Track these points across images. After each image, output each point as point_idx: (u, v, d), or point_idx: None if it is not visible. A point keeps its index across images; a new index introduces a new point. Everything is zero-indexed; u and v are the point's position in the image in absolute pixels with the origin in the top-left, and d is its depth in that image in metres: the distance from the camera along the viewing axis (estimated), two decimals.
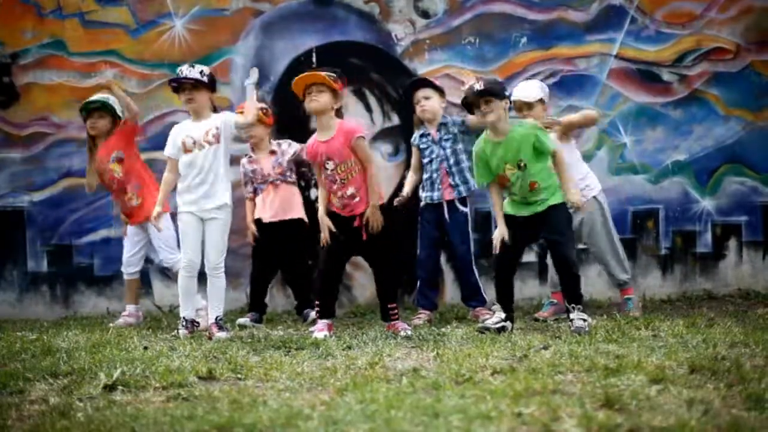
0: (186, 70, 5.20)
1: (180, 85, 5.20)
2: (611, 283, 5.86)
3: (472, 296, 5.78)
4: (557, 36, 6.67)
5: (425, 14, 6.66)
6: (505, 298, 4.99)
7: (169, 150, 5.26)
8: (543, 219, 4.87)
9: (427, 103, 5.77)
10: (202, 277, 5.27)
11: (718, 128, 6.72)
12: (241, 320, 5.72)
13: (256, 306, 5.90)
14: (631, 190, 6.64)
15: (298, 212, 5.91)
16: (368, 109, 6.59)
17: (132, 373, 3.74)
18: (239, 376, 3.76)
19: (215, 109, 5.33)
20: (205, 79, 5.20)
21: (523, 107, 5.58)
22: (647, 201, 6.69)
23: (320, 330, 5.00)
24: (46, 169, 6.54)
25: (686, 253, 6.73)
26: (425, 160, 5.82)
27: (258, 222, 5.92)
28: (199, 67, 5.25)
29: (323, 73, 5.03)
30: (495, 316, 5.01)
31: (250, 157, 5.99)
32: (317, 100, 5.03)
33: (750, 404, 3.02)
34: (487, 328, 4.87)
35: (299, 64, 6.56)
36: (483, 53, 6.63)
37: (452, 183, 5.74)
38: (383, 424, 2.87)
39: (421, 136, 5.84)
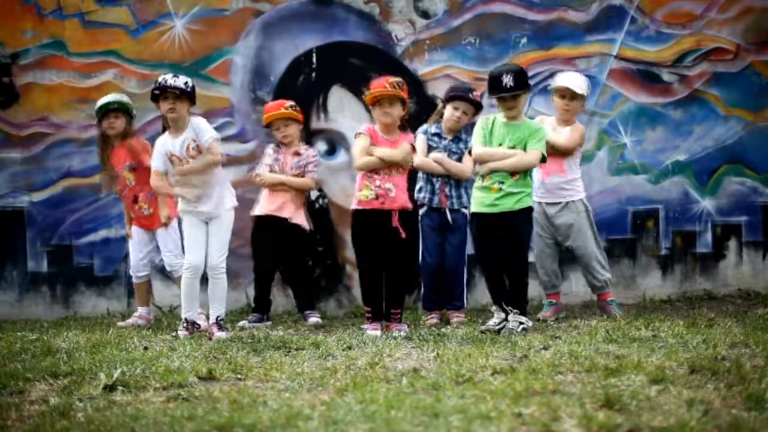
0: (171, 80, 5.10)
1: (162, 94, 5.09)
2: (591, 286, 5.79)
3: (457, 297, 5.72)
4: (557, 36, 6.66)
5: (425, 14, 6.65)
6: (499, 296, 5.01)
7: (157, 163, 5.20)
8: (506, 221, 4.95)
9: (463, 118, 5.61)
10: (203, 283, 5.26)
11: (718, 128, 6.72)
12: (241, 323, 5.71)
13: (261, 304, 5.88)
14: (631, 190, 6.65)
15: (299, 218, 5.88)
16: (368, 109, 6.57)
17: (132, 373, 3.75)
18: (239, 376, 3.76)
19: None
20: (188, 90, 5.12)
21: (567, 95, 5.59)
22: (647, 201, 6.69)
23: (374, 329, 5.03)
24: (46, 169, 6.53)
25: (686, 254, 6.73)
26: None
27: (259, 218, 5.90)
28: (183, 78, 5.16)
29: (395, 89, 5.10)
30: (495, 317, 5.03)
31: (278, 147, 5.94)
32: (390, 114, 5.14)
33: (750, 404, 3.02)
34: (489, 330, 4.89)
35: (299, 64, 6.57)
36: (483, 53, 6.62)
37: (447, 193, 5.62)
38: (383, 424, 2.87)
39: (435, 135, 5.68)
